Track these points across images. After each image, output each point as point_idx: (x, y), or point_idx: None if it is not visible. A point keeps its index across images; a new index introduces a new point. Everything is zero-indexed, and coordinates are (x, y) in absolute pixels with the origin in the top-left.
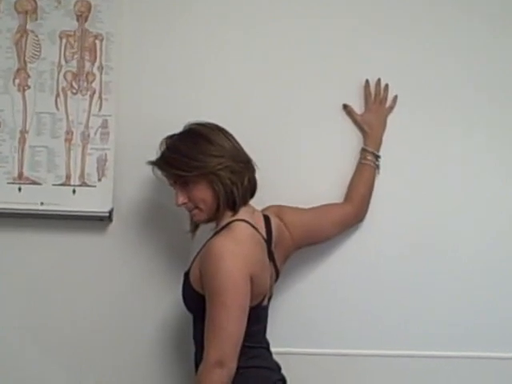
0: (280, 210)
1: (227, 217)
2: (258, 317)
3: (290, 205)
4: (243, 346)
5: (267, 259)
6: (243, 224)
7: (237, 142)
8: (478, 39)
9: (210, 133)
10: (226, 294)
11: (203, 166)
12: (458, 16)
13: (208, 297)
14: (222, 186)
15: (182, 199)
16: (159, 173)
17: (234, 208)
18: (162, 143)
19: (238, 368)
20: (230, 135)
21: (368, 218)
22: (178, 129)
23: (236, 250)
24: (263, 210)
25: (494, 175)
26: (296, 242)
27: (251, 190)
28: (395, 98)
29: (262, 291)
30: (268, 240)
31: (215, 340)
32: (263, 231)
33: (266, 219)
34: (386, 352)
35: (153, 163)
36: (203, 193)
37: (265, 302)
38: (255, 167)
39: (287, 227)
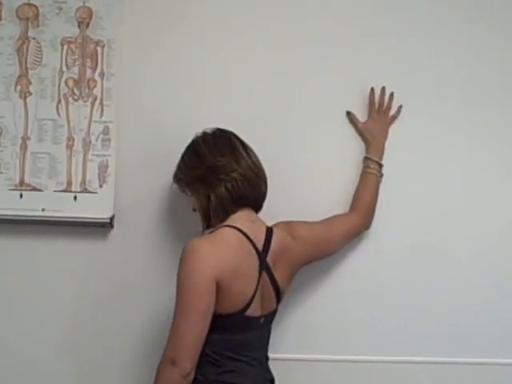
0: (289, 225)
1: (217, 223)
2: (236, 326)
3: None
4: (215, 354)
5: (253, 269)
6: (229, 229)
7: (232, 153)
8: (479, 41)
9: (200, 144)
10: (184, 294)
11: (183, 177)
12: (460, 19)
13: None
14: (196, 197)
15: (192, 205)
16: None
17: (211, 217)
18: None
19: (209, 381)
20: (229, 145)
21: None
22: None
23: (206, 252)
24: (273, 225)
25: (493, 175)
26: (306, 257)
27: (234, 200)
28: (400, 108)
29: (238, 299)
30: (263, 251)
31: (171, 339)
32: (259, 241)
33: (269, 231)
34: (387, 358)
35: None
36: (194, 201)
37: (249, 312)
38: (252, 178)
39: (297, 242)
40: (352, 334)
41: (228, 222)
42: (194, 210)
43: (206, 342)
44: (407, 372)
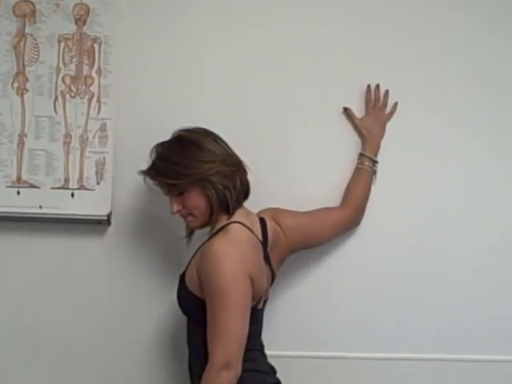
0: (276, 213)
1: (223, 220)
2: (253, 319)
3: (287, 207)
4: None
5: (263, 261)
6: (239, 226)
7: (227, 146)
8: (478, 41)
9: (200, 139)
10: (228, 295)
11: (194, 172)
12: (459, 19)
13: (209, 299)
14: (215, 191)
15: (176, 207)
16: (151, 182)
17: (228, 211)
18: (151, 152)
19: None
20: (220, 139)
21: (366, 219)
22: None
23: (234, 252)
24: (259, 213)
25: (493, 175)
26: (291, 246)
27: (244, 192)
28: (395, 104)
29: (259, 293)
30: (264, 242)
31: (220, 342)
32: (259, 234)
33: (262, 222)
34: (384, 355)
35: (144, 173)
36: (197, 200)
37: (260, 305)
38: (246, 169)
39: (283, 230)
40: (351, 332)
41: (233, 218)
42: (179, 211)
43: None
44: (407, 369)
